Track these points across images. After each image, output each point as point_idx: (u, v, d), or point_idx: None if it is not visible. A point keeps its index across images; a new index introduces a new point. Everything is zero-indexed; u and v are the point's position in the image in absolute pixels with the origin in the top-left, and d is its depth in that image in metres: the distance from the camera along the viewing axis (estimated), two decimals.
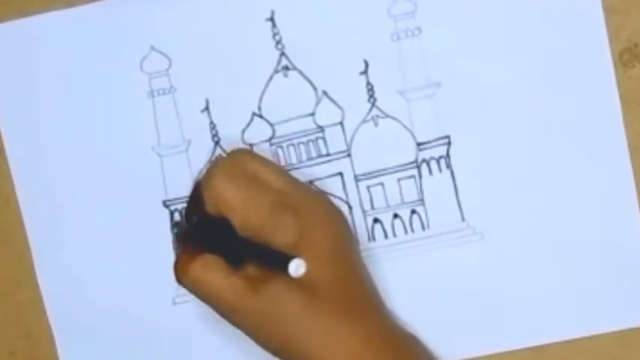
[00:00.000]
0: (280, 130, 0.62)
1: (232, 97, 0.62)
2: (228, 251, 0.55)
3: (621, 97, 0.60)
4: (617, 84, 0.59)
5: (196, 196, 0.58)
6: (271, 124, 0.62)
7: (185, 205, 0.62)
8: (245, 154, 0.58)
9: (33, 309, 0.63)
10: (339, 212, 0.58)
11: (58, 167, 0.63)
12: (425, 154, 0.61)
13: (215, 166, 0.57)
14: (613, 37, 0.59)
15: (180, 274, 0.56)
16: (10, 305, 0.64)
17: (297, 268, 0.51)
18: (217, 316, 0.61)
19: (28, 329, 0.64)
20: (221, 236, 0.56)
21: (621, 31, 0.59)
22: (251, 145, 0.62)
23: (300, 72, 0.61)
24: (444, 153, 0.61)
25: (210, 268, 0.54)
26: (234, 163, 0.56)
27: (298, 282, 0.52)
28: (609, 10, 0.59)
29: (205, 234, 0.57)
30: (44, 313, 0.64)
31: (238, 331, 0.60)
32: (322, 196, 0.58)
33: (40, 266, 0.63)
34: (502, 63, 0.60)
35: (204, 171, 0.60)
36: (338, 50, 0.61)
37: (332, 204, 0.58)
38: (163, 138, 0.62)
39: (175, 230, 0.62)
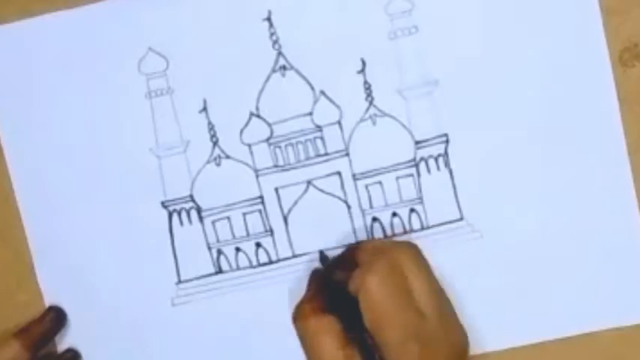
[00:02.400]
0: (278, 130, 0.62)
1: (230, 98, 0.62)
2: (347, 321, 0.55)
3: (621, 96, 0.59)
4: (616, 84, 0.59)
5: (351, 257, 0.57)
6: (269, 124, 0.62)
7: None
8: (408, 254, 0.56)
9: (33, 309, 0.63)
10: (465, 350, 0.57)
11: (56, 168, 0.63)
12: (423, 153, 0.61)
13: (378, 256, 0.55)
14: (613, 37, 0.59)
15: (301, 318, 0.56)
16: (10, 305, 0.64)
17: None
18: (216, 316, 0.62)
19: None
20: (348, 310, 0.55)
21: (621, 31, 0.59)
22: (249, 144, 0.62)
23: (298, 71, 0.61)
24: (442, 151, 0.61)
25: (329, 332, 0.55)
26: (395, 262, 0.55)
27: None
28: (609, 10, 0.59)
29: (336, 294, 0.56)
30: None
31: (236, 333, 0.61)
32: (457, 332, 0.57)
33: (39, 267, 0.63)
34: (499, 62, 0.60)
35: (365, 244, 0.59)
36: (335, 49, 0.61)
37: (462, 340, 0.57)
38: (161, 139, 0.62)
39: (313, 270, 0.61)
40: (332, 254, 0.61)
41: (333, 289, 0.57)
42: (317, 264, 0.62)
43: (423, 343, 0.53)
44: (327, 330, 0.55)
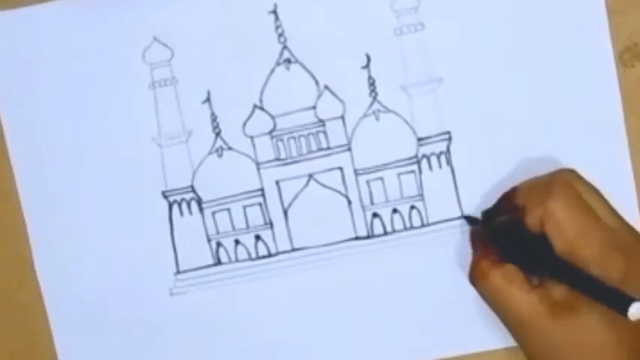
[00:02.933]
0: (281, 123, 0.62)
1: (234, 89, 0.62)
2: (524, 263, 0.54)
3: (621, 96, 0.60)
4: (617, 83, 0.60)
5: (509, 202, 0.56)
6: (272, 117, 0.62)
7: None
8: (585, 186, 0.55)
9: (33, 309, 0.63)
10: None
11: (58, 157, 0.63)
12: (425, 150, 0.61)
13: (557, 186, 0.54)
14: (613, 37, 0.59)
15: (479, 278, 0.54)
16: (11, 305, 0.64)
17: (637, 311, 0.48)
18: (214, 307, 0.62)
19: (29, 329, 0.63)
20: (529, 249, 0.54)
21: (622, 31, 0.60)
22: (252, 137, 0.62)
23: (302, 65, 0.61)
24: (444, 149, 0.61)
25: (512, 280, 0.53)
26: (575, 192, 0.54)
27: (612, 321, 0.51)
28: (610, 10, 0.59)
29: (505, 240, 0.55)
30: (44, 313, 0.64)
31: (234, 323, 0.60)
32: None
33: (39, 261, 0.63)
34: (504, 60, 0.60)
35: (521, 185, 0.57)
36: (340, 44, 0.61)
37: None
38: (164, 129, 0.62)
39: (471, 231, 0.60)
40: None
41: (503, 237, 0.55)
42: (316, 259, 0.62)
43: (624, 253, 0.52)
44: (512, 279, 0.53)
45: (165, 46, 0.62)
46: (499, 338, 0.60)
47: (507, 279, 0.53)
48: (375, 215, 0.62)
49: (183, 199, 0.62)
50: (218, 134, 0.62)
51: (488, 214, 0.59)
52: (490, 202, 0.60)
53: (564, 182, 0.54)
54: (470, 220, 0.60)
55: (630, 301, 0.48)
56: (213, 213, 0.62)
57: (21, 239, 0.63)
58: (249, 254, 0.62)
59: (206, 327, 0.62)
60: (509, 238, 0.55)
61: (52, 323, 0.63)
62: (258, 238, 0.62)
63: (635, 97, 0.60)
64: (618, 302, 0.49)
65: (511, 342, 0.60)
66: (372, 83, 0.61)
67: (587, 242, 0.52)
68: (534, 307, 0.52)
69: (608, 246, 0.52)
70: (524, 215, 0.54)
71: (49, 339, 0.64)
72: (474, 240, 0.59)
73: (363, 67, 0.61)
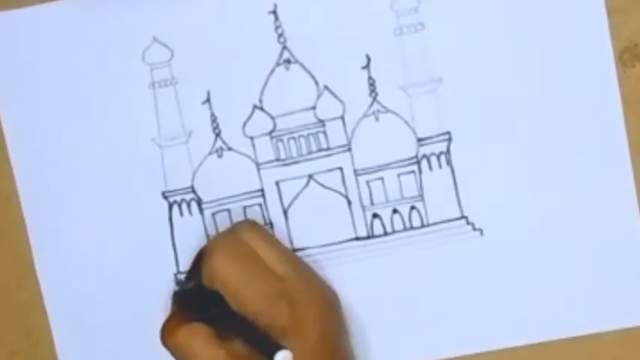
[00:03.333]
0: (281, 124, 0.62)
1: (234, 90, 0.62)
2: (219, 322, 0.55)
3: (621, 96, 0.60)
4: (617, 83, 0.59)
5: (197, 264, 0.58)
6: (272, 117, 0.62)
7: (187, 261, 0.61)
8: (249, 230, 0.57)
9: (33, 308, 0.63)
10: (334, 303, 0.58)
11: (58, 158, 0.63)
12: (425, 150, 0.61)
13: (217, 240, 0.57)
14: (613, 37, 0.59)
15: (166, 335, 0.55)
16: (11, 305, 0.64)
17: (283, 359, 0.51)
18: None
19: (29, 329, 0.64)
20: (213, 306, 0.55)
21: (622, 31, 0.59)
22: (252, 137, 0.62)
23: (302, 65, 0.61)
24: (444, 149, 0.61)
25: (197, 336, 0.54)
26: (237, 239, 0.56)
27: None
28: (610, 10, 0.59)
29: (199, 301, 0.57)
30: (44, 312, 0.64)
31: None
32: (320, 286, 0.58)
33: (39, 261, 0.63)
34: (504, 60, 0.60)
35: (209, 241, 0.59)
36: (340, 44, 0.61)
37: (329, 294, 0.58)
38: (164, 129, 0.62)
39: (172, 292, 0.61)
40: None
41: (190, 300, 0.57)
42: (314, 259, 0.62)
43: (290, 301, 0.54)
44: (198, 335, 0.54)
45: (165, 46, 0.62)
46: (499, 338, 0.61)
47: (192, 335, 0.54)
48: (375, 215, 0.62)
49: (183, 200, 0.62)
50: (218, 135, 0.62)
51: (189, 274, 0.60)
52: (490, 202, 0.60)
53: (225, 237, 0.56)
54: (177, 280, 0.61)
55: (277, 349, 0.51)
56: (213, 213, 0.62)
57: (21, 239, 0.63)
58: None
59: None
60: (196, 298, 0.56)
61: (52, 323, 0.64)
62: None
63: (635, 97, 0.60)
64: (269, 351, 0.52)
65: (513, 342, 0.61)
66: (372, 83, 0.61)
67: (252, 294, 0.54)
68: None
69: (273, 296, 0.54)
70: (201, 274, 0.55)
71: (49, 338, 0.64)
72: (173, 300, 0.60)
73: (363, 68, 0.61)
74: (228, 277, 0.54)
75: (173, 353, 0.55)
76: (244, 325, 0.54)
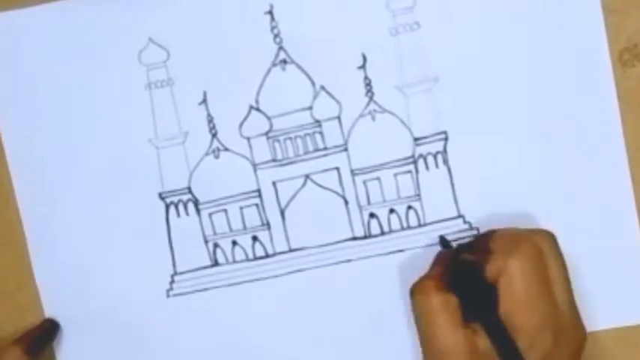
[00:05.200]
0: (277, 124, 0.62)
1: (230, 90, 0.62)
2: (470, 303, 0.54)
3: (621, 96, 0.59)
4: (616, 84, 0.59)
5: (483, 243, 0.56)
6: (269, 118, 0.62)
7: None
8: (549, 245, 0.55)
9: (32, 310, 0.63)
10: (584, 344, 0.56)
11: (55, 160, 0.63)
12: (422, 150, 0.61)
13: (521, 241, 0.54)
14: (613, 37, 0.59)
15: (419, 292, 0.54)
16: (10, 306, 0.64)
17: None
18: (212, 309, 0.62)
19: (28, 328, 0.63)
20: (476, 294, 0.54)
21: (621, 31, 0.59)
22: (248, 138, 0.62)
23: (298, 66, 0.61)
24: (440, 148, 0.61)
25: (447, 311, 0.53)
26: (538, 250, 0.54)
27: None
28: (609, 10, 0.59)
29: (463, 277, 0.55)
30: (43, 314, 0.64)
31: (232, 324, 0.60)
32: (581, 326, 0.55)
33: (37, 263, 0.63)
34: (500, 59, 0.60)
35: (501, 232, 0.57)
36: (336, 44, 0.61)
37: (584, 334, 0.56)
38: (160, 130, 0.62)
39: (442, 251, 0.60)
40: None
41: (458, 272, 0.55)
42: (313, 260, 0.62)
43: (556, 333, 0.53)
44: (448, 309, 0.53)
45: (161, 47, 0.62)
46: None
47: (443, 307, 0.53)
48: (372, 215, 0.62)
49: (180, 201, 0.62)
50: (214, 135, 0.62)
51: (462, 246, 0.59)
52: (487, 202, 0.60)
53: (534, 245, 0.54)
54: (443, 241, 0.60)
55: None
56: (210, 214, 0.62)
57: (20, 241, 0.63)
58: (247, 255, 0.62)
59: (204, 328, 0.62)
60: (465, 276, 0.55)
61: None
62: (255, 239, 0.62)
63: (635, 98, 0.60)
64: None
65: None
66: (368, 83, 0.61)
67: (528, 311, 0.53)
68: (456, 345, 0.52)
69: (545, 323, 0.53)
70: (487, 261, 0.54)
71: None
72: (436, 260, 0.59)
73: (359, 68, 0.61)
74: (518, 285, 0.53)
75: (416, 310, 0.55)
76: (500, 329, 0.53)
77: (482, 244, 0.56)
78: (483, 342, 0.53)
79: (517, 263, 0.53)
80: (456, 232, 0.61)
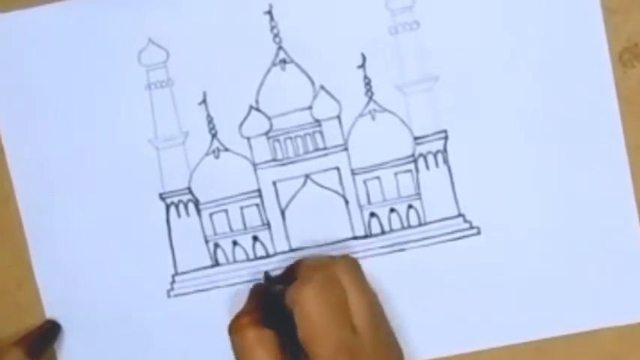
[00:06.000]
0: (277, 124, 0.62)
1: (230, 90, 0.62)
2: (285, 336, 0.55)
3: (621, 96, 0.59)
4: (616, 84, 0.59)
5: (291, 272, 0.57)
6: (268, 118, 0.62)
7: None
8: (348, 271, 0.56)
9: (32, 309, 0.64)
10: None
11: (55, 159, 0.63)
12: (422, 149, 0.61)
13: (316, 269, 0.56)
14: (613, 37, 0.59)
15: (235, 330, 0.55)
16: (10, 306, 0.64)
17: None
18: (212, 309, 0.62)
19: (28, 329, 0.63)
20: (282, 324, 0.55)
21: (621, 31, 0.59)
22: (248, 138, 0.62)
23: (298, 65, 0.61)
24: (441, 147, 0.61)
25: (264, 345, 0.54)
26: (333, 277, 0.55)
27: None
28: (609, 10, 0.59)
29: (275, 306, 0.56)
30: (43, 313, 0.64)
31: None
32: (392, 350, 0.57)
33: (38, 263, 0.63)
34: (500, 59, 0.60)
35: (305, 260, 0.59)
36: (336, 44, 0.61)
37: (396, 358, 0.57)
38: (160, 130, 0.62)
39: (254, 285, 0.61)
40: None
41: (271, 303, 0.57)
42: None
43: (353, 357, 0.53)
44: (264, 343, 0.54)
45: (161, 47, 0.62)
46: (497, 337, 0.61)
47: (260, 342, 0.54)
48: (372, 215, 0.62)
49: (180, 201, 0.62)
50: (214, 135, 0.62)
51: (277, 278, 0.60)
52: (487, 201, 0.60)
53: (330, 273, 0.55)
54: (266, 276, 0.61)
55: None
56: (211, 214, 0.62)
57: (21, 240, 0.63)
58: (247, 255, 0.62)
59: (204, 328, 0.62)
60: (276, 306, 0.56)
61: None
62: (255, 238, 0.62)
63: (634, 98, 0.60)
64: None
65: (512, 340, 0.61)
66: (367, 83, 0.61)
67: (322, 339, 0.53)
68: None
69: (340, 348, 0.53)
70: (286, 291, 0.55)
71: None
72: (251, 292, 0.60)
73: (359, 67, 0.61)
74: (310, 312, 0.54)
75: (234, 347, 0.55)
76: (300, 355, 0.54)
77: (290, 272, 0.58)
78: None
79: (309, 291, 0.54)
80: (456, 231, 0.61)
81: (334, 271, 0.55)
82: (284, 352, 0.54)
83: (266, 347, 0.54)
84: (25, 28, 0.63)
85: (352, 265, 0.57)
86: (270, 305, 0.57)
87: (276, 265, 0.62)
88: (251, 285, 0.61)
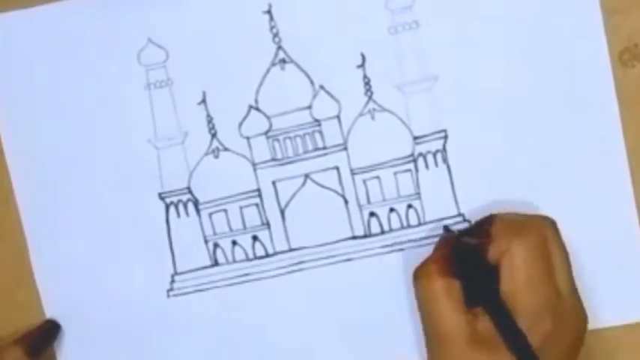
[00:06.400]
0: (277, 123, 0.62)
1: (229, 90, 0.62)
2: (469, 287, 0.54)
3: (621, 96, 0.59)
4: (616, 83, 0.59)
5: (484, 227, 0.56)
6: (268, 117, 0.62)
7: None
8: (552, 232, 0.55)
9: (32, 309, 0.64)
10: (584, 333, 0.56)
11: (55, 160, 0.63)
12: (421, 148, 0.61)
13: (525, 226, 0.55)
14: (613, 37, 0.59)
15: (422, 276, 0.55)
16: (10, 305, 0.64)
17: None
18: (212, 308, 0.62)
19: (28, 328, 0.63)
20: (478, 277, 0.54)
21: (621, 31, 0.59)
22: (248, 137, 0.62)
23: (298, 65, 0.61)
24: (440, 147, 0.61)
25: (450, 295, 0.53)
26: (542, 236, 0.54)
27: None
28: (609, 10, 0.59)
29: (465, 260, 0.55)
30: (43, 313, 0.64)
31: (232, 324, 0.60)
32: (582, 315, 0.56)
33: (37, 262, 0.63)
34: (499, 58, 0.60)
35: (504, 215, 0.57)
36: (335, 44, 0.61)
37: (584, 324, 0.56)
38: (160, 130, 0.62)
39: (445, 234, 0.60)
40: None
41: (461, 256, 0.56)
42: (313, 259, 0.62)
43: (556, 318, 0.53)
44: (451, 293, 0.53)
45: (160, 47, 0.62)
46: None
47: (446, 291, 0.53)
48: (372, 214, 0.62)
49: (179, 201, 0.62)
50: (214, 135, 0.62)
51: (464, 231, 0.59)
52: (487, 200, 0.60)
53: (538, 230, 0.54)
54: (447, 230, 0.60)
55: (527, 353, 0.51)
56: (210, 214, 0.62)
57: (20, 240, 0.63)
58: (247, 255, 0.62)
59: (204, 328, 0.62)
60: (467, 259, 0.55)
61: None
62: (255, 238, 0.62)
63: (634, 98, 0.59)
64: (518, 351, 0.51)
65: None
66: (367, 82, 0.61)
67: (529, 294, 0.53)
68: (458, 329, 0.53)
69: (546, 307, 0.53)
70: (489, 244, 0.54)
71: None
72: (439, 245, 0.59)
73: (358, 67, 0.61)
74: (521, 268, 0.53)
75: (419, 293, 0.55)
76: (502, 310, 0.53)
77: (483, 228, 0.56)
78: (484, 326, 0.53)
79: (520, 246, 0.53)
80: (456, 230, 0.61)
81: (543, 230, 0.54)
82: (471, 311, 0.53)
83: (452, 297, 0.53)
84: (24, 28, 0.63)
85: (554, 225, 0.56)
86: (459, 256, 0.56)
87: (276, 265, 0.62)
88: (441, 235, 0.60)
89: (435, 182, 0.61)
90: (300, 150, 0.62)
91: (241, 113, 0.62)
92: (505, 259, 0.53)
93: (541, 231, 0.54)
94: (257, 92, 0.62)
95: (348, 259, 0.62)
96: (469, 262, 0.55)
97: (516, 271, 0.53)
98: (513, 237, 0.54)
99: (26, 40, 0.63)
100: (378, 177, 0.61)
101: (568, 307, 0.54)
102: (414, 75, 0.60)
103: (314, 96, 0.61)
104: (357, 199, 0.62)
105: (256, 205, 0.62)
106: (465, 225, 0.61)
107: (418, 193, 0.61)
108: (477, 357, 0.52)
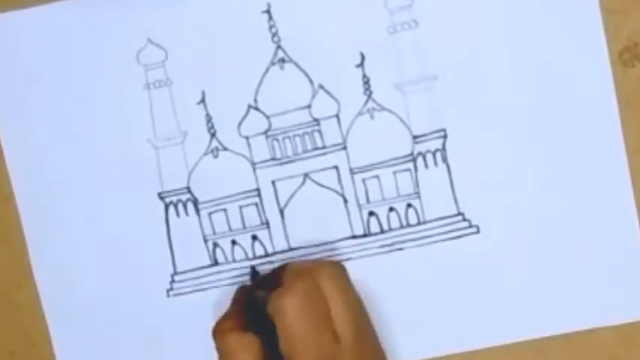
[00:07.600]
0: (276, 123, 0.62)
1: (228, 90, 0.62)
2: (267, 340, 0.55)
3: (621, 96, 0.59)
4: (616, 83, 0.59)
5: (276, 277, 0.57)
6: (267, 117, 0.62)
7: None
8: (329, 279, 0.55)
9: (32, 310, 0.64)
10: None
11: (54, 160, 0.63)
12: (421, 148, 0.61)
13: (297, 278, 0.55)
14: (613, 37, 0.59)
15: (219, 333, 0.55)
16: (10, 306, 0.64)
17: None
18: (212, 308, 0.62)
19: (28, 330, 0.64)
20: (264, 331, 0.55)
21: (621, 31, 0.59)
22: (247, 137, 0.62)
23: (297, 64, 0.61)
24: (440, 146, 0.61)
25: (248, 351, 0.54)
26: (315, 285, 0.54)
27: None
28: (609, 10, 0.59)
29: (259, 312, 0.56)
30: (43, 313, 0.64)
31: None
32: (375, 356, 0.57)
33: (37, 263, 0.63)
34: (499, 57, 0.60)
35: (290, 265, 0.58)
36: (334, 43, 0.61)
37: None
38: (159, 130, 0.62)
39: (239, 285, 0.61)
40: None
41: (255, 308, 0.56)
42: (312, 257, 0.62)
43: None
44: (246, 349, 0.54)
45: (160, 47, 0.62)
46: (496, 335, 0.60)
47: (244, 347, 0.54)
48: (371, 214, 0.62)
49: (179, 200, 0.62)
50: (213, 135, 0.62)
51: (268, 277, 0.60)
52: (486, 199, 0.60)
53: (310, 280, 0.54)
54: (252, 272, 0.60)
55: None
56: (210, 214, 0.62)
57: (20, 241, 0.63)
58: (246, 254, 0.62)
59: (204, 328, 0.62)
60: (256, 313, 0.55)
61: (51, 324, 0.64)
62: (254, 238, 0.62)
63: (634, 98, 0.59)
64: None
65: (511, 338, 0.61)
66: (366, 82, 0.61)
67: (304, 348, 0.53)
68: None
69: (325, 357, 0.53)
70: (267, 300, 0.55)
71: (48, 339, 0.64)
72: (236, 296, 0.59)
73: (358, 66, 0.61)
74: (290, 324, 0.53)
75: (219, 350, 0.55)
76: None
77: (276, 277, 0.57)
78: None
79: (290, 303, 0.53)
80: (455, 229, 0.61)
81: (318, 279, 0.55)
82: (268, 355, 0.54)
83: (249, 353, 0.54)
84: (24, 27, 0.63)
85: (337, 271, 0.56)
86: (254, 309, 0.56)
87: (275, 265, 0.62)
88: (235, 287, 0.61)
89: (435, 181, 0.61)
90: (300, 149, 0.62)
91: (240, 113, 0.62)
92: (278, 318, 0.54)
93: (314, 280, 0.54)
94: (256, 92, 0.62)
95: (348, 259, 0.62)
96: (258, 317, 0.55)
97: (287, 327, 0.53)
98: (284, 293, 0.54)
99: (26, 40, 0.63)
100: (377, 176, 0.61)
101: (350, 352, 0.54)
102: (414, 74, 0.60)
103: (313, 95, 0.61)
104: (357, 199, 0.62)
105: (256, 204, 0.62)
106: (464, 225, 0.61)
107: (417, 193, 0.61)
108: None
